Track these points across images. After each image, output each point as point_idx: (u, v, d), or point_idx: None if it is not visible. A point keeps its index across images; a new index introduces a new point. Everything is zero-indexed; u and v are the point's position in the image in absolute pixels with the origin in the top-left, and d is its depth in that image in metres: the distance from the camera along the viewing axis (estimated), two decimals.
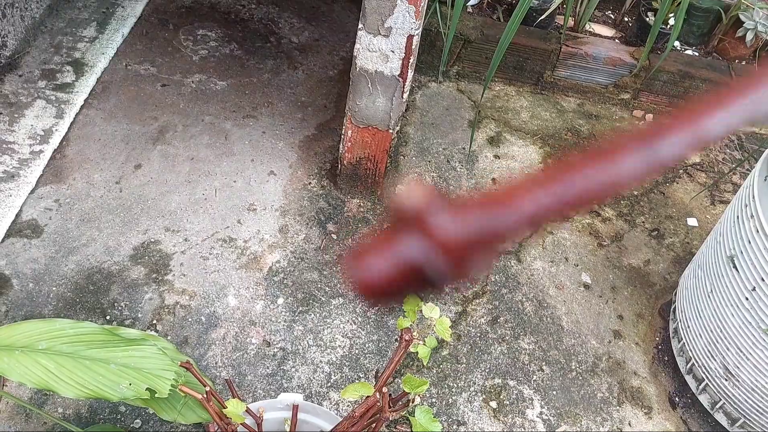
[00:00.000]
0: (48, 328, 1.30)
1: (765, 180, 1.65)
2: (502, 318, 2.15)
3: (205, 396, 1.25)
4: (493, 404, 1.94)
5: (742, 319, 1.66)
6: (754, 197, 1.64)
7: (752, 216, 1.62)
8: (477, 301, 2.19)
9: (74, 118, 2.49)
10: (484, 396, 1.96)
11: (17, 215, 2.17)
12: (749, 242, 1.62)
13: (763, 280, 1.57)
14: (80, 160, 2.37)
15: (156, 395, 1.22)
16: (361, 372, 1.96)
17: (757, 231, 1.59)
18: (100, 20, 2.89)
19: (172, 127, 2.55)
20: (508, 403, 1.95)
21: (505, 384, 2.00)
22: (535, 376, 2.03)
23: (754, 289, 1.60)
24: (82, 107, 2.54)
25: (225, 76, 2.80)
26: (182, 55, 2.85)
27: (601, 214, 2.54)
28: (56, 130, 2.42)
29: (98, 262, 2.10)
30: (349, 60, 2.84)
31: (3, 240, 2.10)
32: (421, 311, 1.30)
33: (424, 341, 1.30)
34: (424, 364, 1.96)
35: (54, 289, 2.01)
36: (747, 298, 1.63)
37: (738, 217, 1.70)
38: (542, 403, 1.97)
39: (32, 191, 2.24)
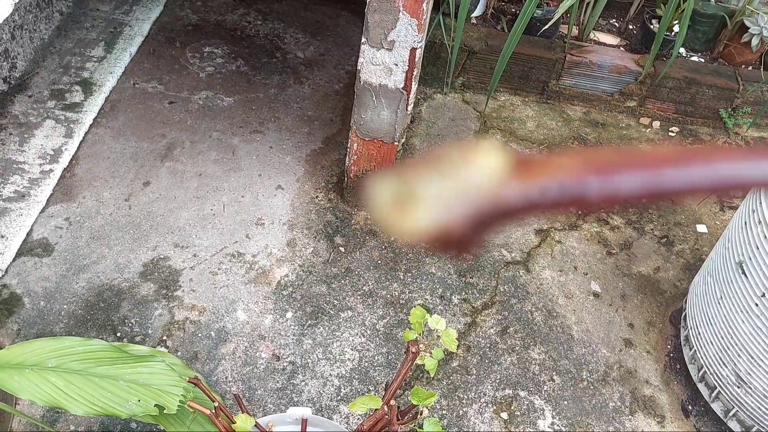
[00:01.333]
0: (57, 346, 1.32)
1: None
2: (511, 328, 2.15)
3: (213, 411, 1.25)
4: (504, 415, 1.94)
5: (752, 325, 1.64)
6: (761, 203, 1.63)
7: (760, 222, 1.62)
8: (486, 311, 2.18)
9: (83, 137, 2.52)
10: (494, 407, 1.95)
11: (28, 234, 2.19)
12: (757, 248, 1.61)
13: None
14: (90, 179, 2.39)
15: (165, 411, 1.23)
16: (371, 385, 1.96)
17: (765, 237, 1.58)
18: (107, 40, 2.93)
19: (180, 144, 2.57)
20: (519, 414, 1.95)
21: (515, 395, 1.99)
22: (545, 387, 2.02)
23: (763, 294, 1.59)
24: (91, 126, 2.57)
25: (232, 92, 2.82)
26: (189, 72, 2.88)
27: (610, 222, 2.53)
28: (66, 149, 2.45)
29: (108, 279, 2.11)
30: (354, 74, 2.86)
31: (14, 259, 2.12)
32: (427, 323, 1.30)
33: (431, 353, 1.30)
34: (432, 375, 1.96)
35: (65, 306, 2.03)
36: (757, 304, 1.62)
37: (746, 223, 1.69)
38: (553, 413, 1.96)
39: (43, 210, 2.27)
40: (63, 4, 2.94)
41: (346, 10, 3.36)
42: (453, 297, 2.21)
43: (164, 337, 1.99)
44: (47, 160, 2.40)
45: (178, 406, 1.23)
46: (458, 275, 2.28)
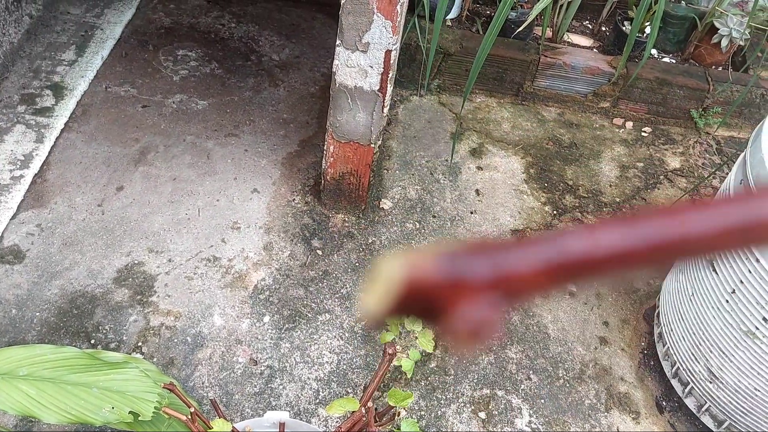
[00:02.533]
0: (29, 354, 1.30)
1: (741, 183, 1.67)
2: None
3: (189, 417, 1.24)
4: (482, 415, 1.94)
5: (723, 321, 1.67)
6: None
7: None
8: None
9: (55, 142, 2.48)
10: (472, 407, 1.96)
11: None
12: None
13: (741, 282, 1.59)
14: (61, 184, 2.36)
15: (139, 418, 1.21)
16: (349, 387, 1.96)
17: None
18: (79, 43, 2.89)
19: (154, 148, 2.55)
20: (496, 413, 1.96)
21: (493, 394, 2.00)
22: (522, 385, 2.03)
23: (733, 291, 1.62)
24: (62, 131, 2.53)
25: (206, 96, 2.80)
26: (162, 76, 2.86)
27: (584, 221, 2.55)
28: (36, 154, 2.41)
29: (82, 285, 2.09)
30: (330, 76, 2.85)
31: None
32: (403, 325, 1.30)
33: (408, 354, 1.30)
34: (409, 376, 1.96)
35: (37, 314, 2.00)
36: (727, 301, 1.64)
37: None
38: (531, 411, 1.97)
39: (13, 216, 2.23)
40: (33, 8, 2.90)
41: (321, 13, 3.36)
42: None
43: (139, 344, 1.97)
44: (17, 166, 2.36)
45: (153, 412, 1.22)
46: None
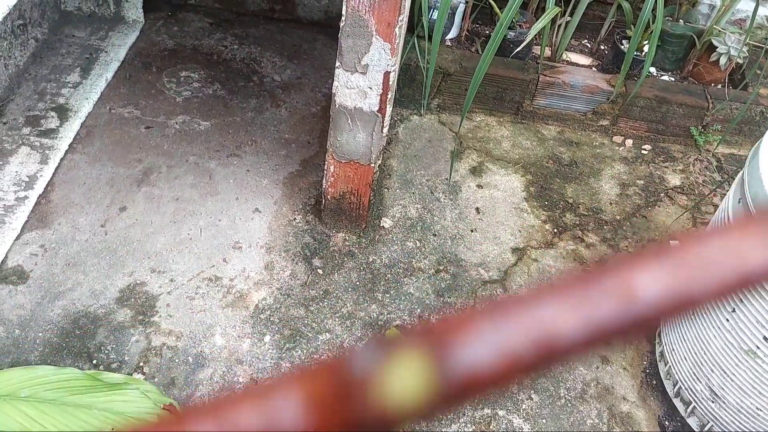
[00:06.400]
0: (30, 375, 1.31)
1: (739, 202, 1.67)
2: None
3: None
4: None
5: (724, 340, 1.67)
6: (729, 219, 1.67)
7: None
8: None
9: (59, 163, 2.51)
10: (473, 427, 1.95)
11: (2, 262, 2.17)
12: None
13: (741, 301, 1.59)
14: (65, 205, 2.38)
15: None
16: None
17: None
18: (83, 66, 2.93)
19: (157, 169, 2.57)
20: None
21: (494, 414, 1.99)
22: (524, 405, 2.02)
23: (734, 310, 1.62)
24: (66, 152, 2.56)
25: (208, 117, 2.83)
26: (165, 97, 2.89)
27: (585, 239, 2.56)
28: (41, 175, 2.44)
29: (84, 306, 2.10)
30: (331, 96, 2.88)
31: None
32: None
33: None
34: None
35: (40, 335, 2.01)
36: (728, 320, 1.64)
37: None
38: (532, 431, 1.96)
39: (17, 237, 2.25)
40: (38, 31, 2.95)
41: (322, 34, 3.39)
42: (431, 317, 2.22)
43: (141, 364, 1.98)
44: (22, 187, 2.39)
45: None
46: (436, 295, 2.29)
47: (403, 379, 0.15)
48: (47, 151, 2.53)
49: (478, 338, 0.17)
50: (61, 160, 2.53)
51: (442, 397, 0.15)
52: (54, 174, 2.47)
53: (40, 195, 2.39)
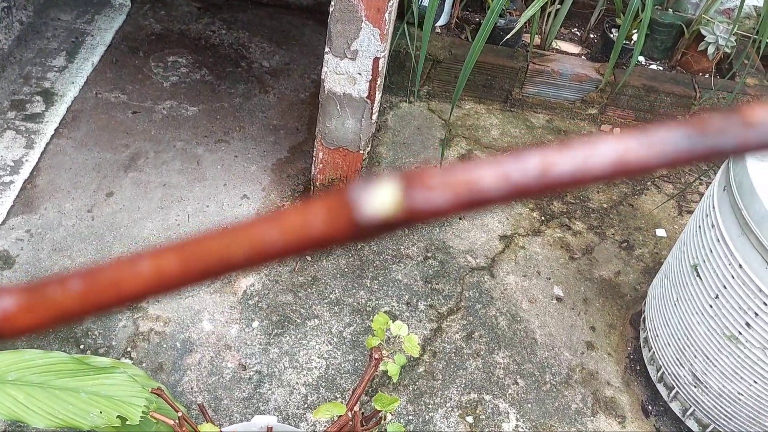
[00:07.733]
0: (17, 358, 1.30)
1: (724, 190, 1.69)
2: (476, 333, 2.18)
3: (177, 422, 1.25)
4: (470, 419, 1.96)
5: (707, 326, 1.69)
6: (714, 207, 1.68)
7: (713, 225, 1.67)
8: (452, 317, 2.21)
9: (45, 148, 2.49)
10: (460, 411, 1.97)
11: None
12: (711, 251, 1.66)
13: (725, 287, 1.61)
14: (51, 190, 2.37)
15: (127, 423, 1.22)
16: (337, 392, 1.97)
17: (718, 240, 1.63)
18: (69, 49, 2.90)
19: (144, 154, 2.55)
20: (484, 417, 1.97)
21: (480, 399, 2.01)
22: (510, 390, 2.04)
23: (717, 296, 1.64)
24: (52, 137, 2.54)
25: (196, 102, 2.81)
26: (153, 82, 2.87)
27: (572, 227, 2.58)
28: (26, 160, 2.42)
29: None
30: (320, 83, 2.87)
31: None
32: (389, 329, 1.31)
33: (394, 359, 1.31)
34: (395, 381, 1.97)
35: None
36: (711, 306, 1.67)
37: (700, 226, 1.74)
38: (518, 416, 1.99)
39: (3, 222, 2.24)
40: (23, 14, 2.91)
41: (311, 20, 3.37)
42: (419, 303, 2.23)
43: (128, 349, 1.98)
44: (7, 172, 2.37)
45: (141, 417, 1.22)
46: (424, 282, 2.30)
47: (382, 198, 0.23)
48: (33, 136, 2.51)
49: (436, 182, 0.23)
50: (47, 144, 2.51)
51: (406, 214, 0.23)
52: (40, 159, 2.45)
53: (25, 180, 2.37)
